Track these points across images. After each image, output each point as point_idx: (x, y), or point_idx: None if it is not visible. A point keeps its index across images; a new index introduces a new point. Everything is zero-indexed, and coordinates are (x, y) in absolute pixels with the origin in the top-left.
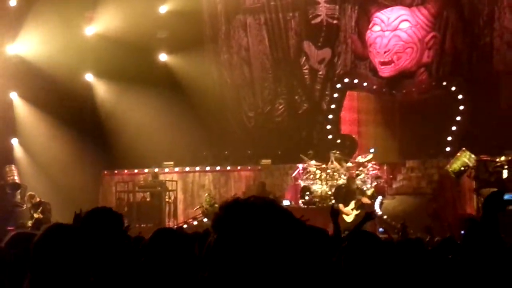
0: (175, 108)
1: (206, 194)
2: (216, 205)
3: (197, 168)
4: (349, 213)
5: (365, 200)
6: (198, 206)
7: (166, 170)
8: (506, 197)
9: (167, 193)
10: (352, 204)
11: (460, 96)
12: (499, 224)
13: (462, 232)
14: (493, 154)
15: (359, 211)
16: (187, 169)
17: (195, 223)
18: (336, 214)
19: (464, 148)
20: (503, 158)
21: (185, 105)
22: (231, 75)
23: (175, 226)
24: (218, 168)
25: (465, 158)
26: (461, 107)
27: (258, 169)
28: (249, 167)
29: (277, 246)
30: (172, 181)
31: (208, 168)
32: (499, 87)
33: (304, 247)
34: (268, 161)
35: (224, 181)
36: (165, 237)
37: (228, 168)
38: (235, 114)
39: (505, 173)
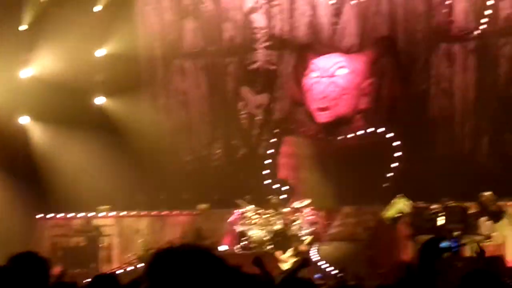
0: (112, 151)
1: (141, 240)
2: (152, 251)
3: (133, 213)
4: (286, 261)
5: (302, 247)
6: (132, 254)
7: (102, 214)
8: (442, 245)
9: (102, 237)
10: (290, 252)
11: (396, 143)
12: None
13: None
14: (429, 201)
15: (296, 258)
16: (123, 213)
17: (130, 268)
18: (258, 263)
19: (399, 195)
20: (438, 205)
21: (122, 149)
22: (168, 119)
23: (110, 272)
24: (154, 212)
25: (401, 204)
26: (397, 154)
27: (195, 214)
28: (186, 212)
29: None
30: (108, 225)
31: (144, 213)
32: (435, 134)
33: None
34: (205, 206)
35: (160, 226)
36: (104, 284)
37: (164, 212)
38: (171, 158)
39: (440, 220)
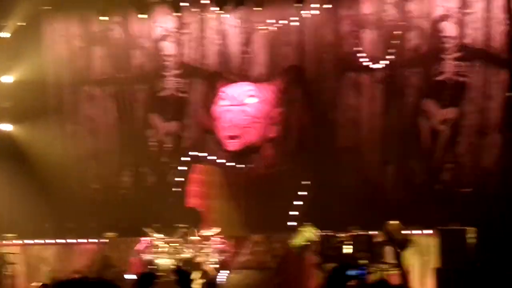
0: (19, 179)
1: (48, 269)
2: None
3: (39, 241)
4: None
5: (210, 275)
6: (37, 283)
7: (7, 242)
8: (349, 272)
9: (7, 265)
10: (197, 279)
11: (304, 171)
12: None
13: None
14: (336, 230)
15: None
16: (29, 241)
17: None
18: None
19: (307, 223)
20: (345, 233)
21: (28, 176)
22: (76, 146)
23: None
24: (61, 241)
25: (309, 233)
26: (305, 182)
27: (103, 243)
28: (93, 240)
29: None
30: (13, 253)
31: (50, 241)
32: (342, 162)
33: None
34: (113, 234)
35: (67, 254)
36: None
37: (72, 241)
38: (79, 185)
39: (347, 249)
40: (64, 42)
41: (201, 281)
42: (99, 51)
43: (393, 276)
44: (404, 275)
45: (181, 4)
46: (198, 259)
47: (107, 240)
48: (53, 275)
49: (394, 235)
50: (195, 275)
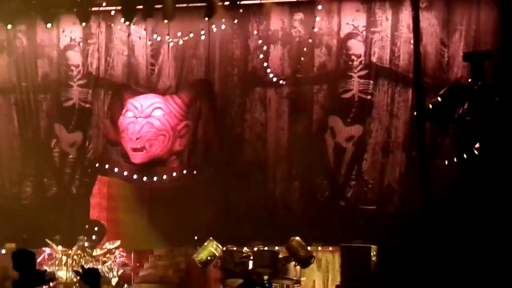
0: None
1: None
2: None
3: None
4: None
5: None
6: None
7: None
8: None
9: None
10: None
11: (210, 185)
12: None
13: None
14: (240, 245)
15: None
16: None
17: None
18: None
19: (211, 238)
20: (249, 249)
21: None
22: None
23: None
24: None
25: (212, 248)
26: (211, 196)
27: (2, 253)
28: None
29: None
30: None
31: None
32: (249, 177)
33: None
34: (13, 245)
35: None
36: None
37: None
38: None
39: (250, 264)
40: None
41: None
42: (3, 59)
43: None
44: None
45: (89, 14)
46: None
47: (7, 251)
48: None
49: (297, 251)
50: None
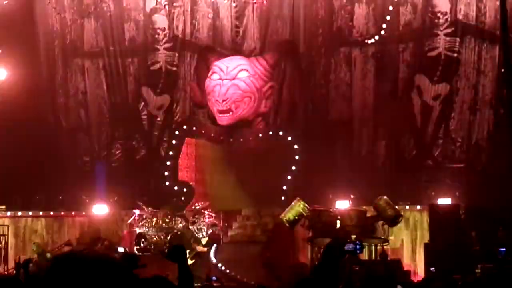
0: (8, 150)
1: (33, 244)
2: (48, 255)
3: (30, 213)
4: None
5: (200, 248)
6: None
7: None
8: (347, 247)
9: None
10: (187, 254)
11: (296, 146)
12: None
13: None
14: (327, 204)
15: (194, 260)
16: (19, 213)
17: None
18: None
19: (298, 198)
20: (336, 208)
21: (18, 148)
22: (67, 118)
23: (6, 272)
24: (51, 213)
25: (299, 207)
26: (297, 157)
27: (93, 215)
28: (84, 213)
29: None
30: (3, 225)
31: (41, 213)
32: (334, 138)
33: None
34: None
35: (58, 226)
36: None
37: (62, 213)
38: (70, 158)
39: (338, 223)
40: (56, 15)
41: (190, 262)
42: (91, 24)
43: (385, 251)
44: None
45: None
46: (189, 234)
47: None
48: (39, 250)
49: (384, 210)
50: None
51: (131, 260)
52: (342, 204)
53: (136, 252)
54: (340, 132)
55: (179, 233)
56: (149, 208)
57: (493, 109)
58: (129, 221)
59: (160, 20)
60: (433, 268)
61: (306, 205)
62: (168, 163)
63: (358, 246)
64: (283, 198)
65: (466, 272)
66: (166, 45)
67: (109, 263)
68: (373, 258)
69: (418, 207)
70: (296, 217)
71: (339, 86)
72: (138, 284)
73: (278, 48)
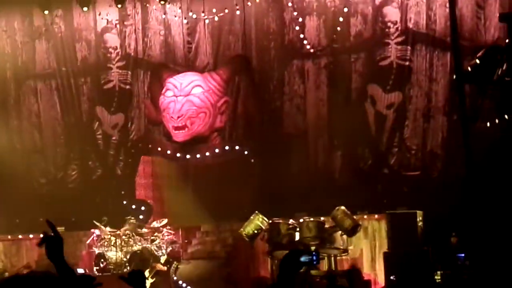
0: None
1: None
2: (7, 274)
3: None
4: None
5: (160, 266)
6: None
7: None
8: (303, 258)
9: None
10: (147, 272)
11: (252, 160)
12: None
13: None
14: (285, 217)
15: (154, 279)
16: None
17: None
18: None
19: (257, 212)
20: (294, 220)
21: None
22: (21, 141)
23: None
24: (9, 236)
25: (258, 221)
26: (254, 170)
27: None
28: (42, 235)
29: None
30: None
31: None
32: (290, 150)
33: None
34: (62, 228)
35: (16, 249)
36: None
37: (20, 236)
38: (25, 181)
39: (297, 235)
40: (6, 38)
41: (150, 280)
42: (42, 45)
43: (344, 261)
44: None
45: None
46: (149, 253)
47: None
48: (1, 271)
49: (342, 220)
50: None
51: (86, 280)
52: (300, 216)
53: (96, 272)
54: (296, 144)
55: (138, 252)
56: (108, 228)
57: (447, 116)
58: (87, 242)
59: (112, 39)
60: (393, 276)
61: (265, 219)
62: (124, 182)
63: (315, 257)
64: (241, 212)
65: (426, 279)
66: (119, 64)
67: (56, 281)
68: (333, 269)
69: (376, 216)
70: (255, 231)
71: (293, 98)
72: None
73: (231, 62)
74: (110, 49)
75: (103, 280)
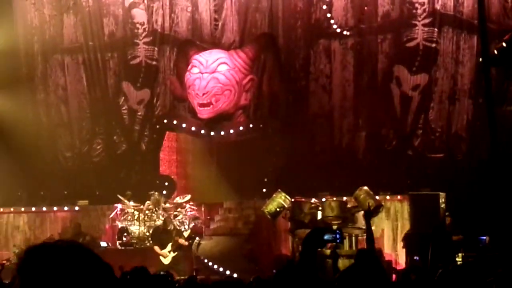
0: None
1: (13, 246)
2: None
3: (12, 209)
4: (166, 255)
5: (182, 241)
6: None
7: None
8: (326, 236)
9: None
10: (169, 246)
11: (276, 138)
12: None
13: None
14: (308, 196)
15: (176, 253)
16: (1, 209)
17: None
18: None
19: (279, 190)
20: (317, 199)
21: (0, 145)
22: (48, 114)
23: None
24: (33, 209)
25: (281, 199)
26: (277, 149)
27: (75, 210)
28: (66, 208)
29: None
30: None
31: (23, 209)
32: (314, 129)
33: None
34: (85, 202)
35: (40, 222)
36: None
37: (44, 209)
38: (51, 154)
39: (319, 214)
40: (35, 10)
41: (172, 254)
42: (70, 19)
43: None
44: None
45: None
46: (171, 227)
47: (80, 208)
48: (20, 248)
49: (365, 200)
50: (165, 250)
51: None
52: (323, 195)
53: (119, 246)
54: (320, 124)
55: (161, 226)
56: (131, 202)
57: (472, 99)
58: (111, 216)
59: (139, 15)
60: (417, 257)
61: (288, 197)
62: (149, 157)
63: (338, 235)
64: (264, 190)
65: (447, 261)
66: (146, 40)
67: (82, 251)
68: (354, 248)
69: (399, 197)
70: (278, 209)
71: (318, 78)
72: (110, 274)
73: (257, 41)
74: (137, 25)
75: (126, 253)
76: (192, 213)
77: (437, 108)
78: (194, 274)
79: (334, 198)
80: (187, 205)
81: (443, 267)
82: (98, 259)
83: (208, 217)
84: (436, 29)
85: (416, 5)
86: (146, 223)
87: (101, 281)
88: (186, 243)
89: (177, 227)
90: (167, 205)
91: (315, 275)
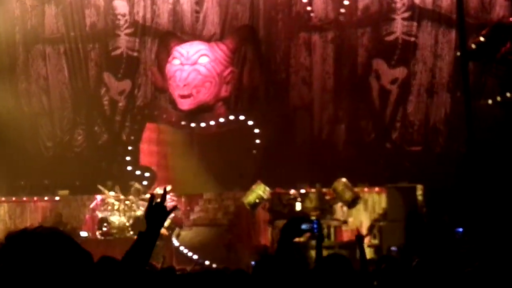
0: None
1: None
2: None
3: None
4: None
5: (163, 231)
6: None
7: None
8: (303, 226)
9: None
10: None
11: (256, 130)
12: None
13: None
14: (287, 187)
15: (157, 242)
16: None
17: None
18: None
19: (259, 181)
20: (296, 191)
21: None
22: (29, 104)
23: None
24: (13, 198)
25: (260, 190)
26: (257, 141)
27: (55, 200)
28: (46, 198)
29: (58, 274)
30: None
31: (3, 198)
32: (294, 122)
33: (87, 275)
34: (66, 192)
35: (20, 211)
36: None
37: (24, 198)
38: (32, 143)
39: (298, 206)
40: (16, 1)
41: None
42: (51, 9)
43: (344, 232)
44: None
45: None
46: None
47: (60, 198)
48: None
49: (343, 192)
50: None
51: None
52: (302, 187)
53: (99, 236)
54: (300, 116)
55: (141, 217)
56: (112, 193)
57: (450, 92)
58: (91, 206)
59: (121, 6)
60: (394, 248)
61: (267, 188)
62: (130, 148)
63: (315, 225)
64: (243, 181)
65: (424, 249)
66: (127, 31)
67: (61, 237)
68: (332, 239)
69: (377, 189)
70: (257, 200)
71: (299, 71)
72: (89, 261)
73: (238, 33)
74: (119, 16)
75: (106, 244)
76: (172, 203)
77: (416, 102)
78: (174, 264)
79: (313, 190)
80: (168, 196)
81: (420, 256)
82: (78, 246)
83: (188, 208)
84: (415, 23)
85: None
86: (126, 213)
87: (80, 268)
88: (167, 233)
89: None
90: (147, 195)
91: (292, 263)
